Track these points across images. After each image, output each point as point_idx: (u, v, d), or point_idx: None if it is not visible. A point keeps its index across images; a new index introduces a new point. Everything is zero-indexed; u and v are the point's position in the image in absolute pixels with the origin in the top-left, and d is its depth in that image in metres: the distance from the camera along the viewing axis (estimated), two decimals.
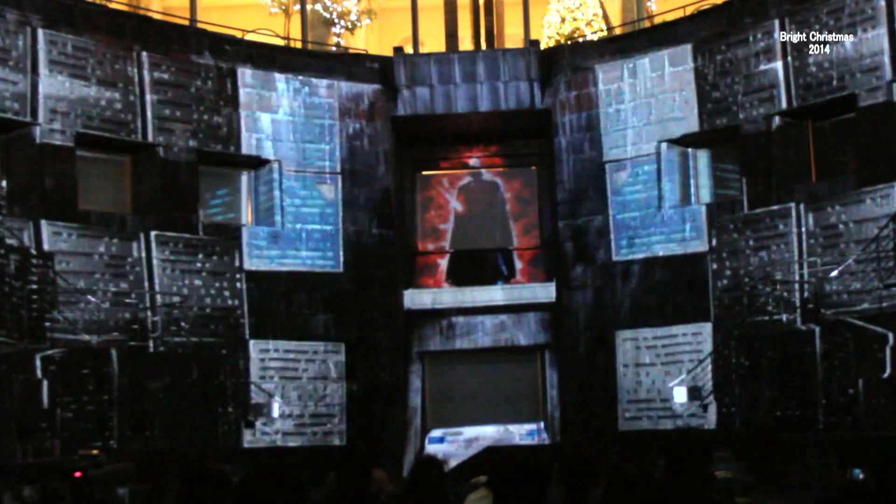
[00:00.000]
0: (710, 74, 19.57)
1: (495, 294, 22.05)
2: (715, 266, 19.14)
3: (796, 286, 17.87)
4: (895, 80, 17.08)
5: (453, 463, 18.82)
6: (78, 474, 10.58)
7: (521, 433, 21.20)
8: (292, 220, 20.47)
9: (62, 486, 10.31)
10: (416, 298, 21.81)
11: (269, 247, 20.19)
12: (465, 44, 25.33)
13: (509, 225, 22.98)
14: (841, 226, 17.48)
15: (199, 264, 19.20)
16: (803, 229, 18.04)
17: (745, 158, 19.25)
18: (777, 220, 18.41)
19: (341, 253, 20.77)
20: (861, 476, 5.28)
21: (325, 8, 26.41)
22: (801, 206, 18.04)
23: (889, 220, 16.54)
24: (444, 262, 22.55)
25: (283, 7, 26.73)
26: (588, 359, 20.59)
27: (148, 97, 19.01)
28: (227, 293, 19.45)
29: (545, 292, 21.69)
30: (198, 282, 19.09)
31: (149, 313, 18.16)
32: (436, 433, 21.33)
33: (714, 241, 19.25)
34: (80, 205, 18.19)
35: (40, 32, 17.76)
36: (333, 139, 21.02)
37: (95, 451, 14.38)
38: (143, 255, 18.57)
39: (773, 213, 18.48)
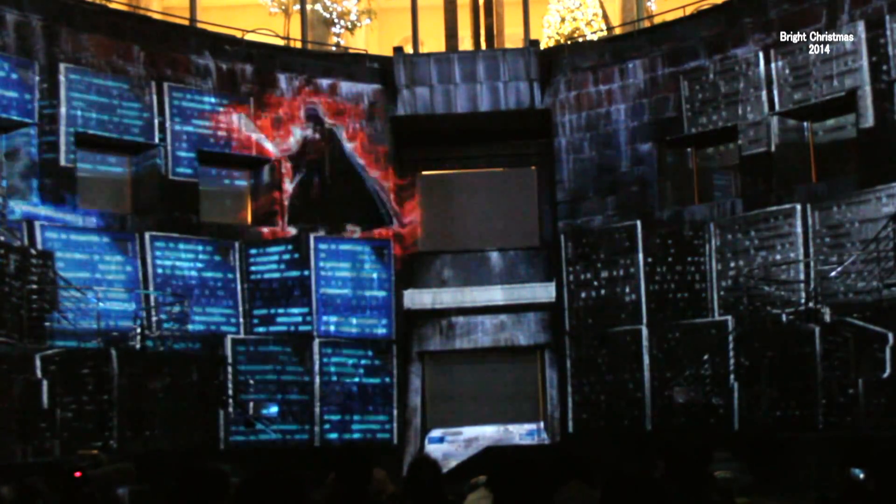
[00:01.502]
0: (710, 74, 19.59)
1: (495, 294, 22.03)
2: (718, 266, 19.16)
3: (798, 286, 17.88)
4: (895, 80, 17.09)
5: (453, 463, 18.83)
6: (78, 474, 10.56)
7: (521, 433, 21.19)
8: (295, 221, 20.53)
9: (37, 481, 10.30)
10: (416, 298, 21.80)
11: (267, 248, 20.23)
12: (465, 44, 25.34)
13: (507, 225, 22.91)
14: (847, 225, 17.47)
15: (199, 264, 19.22)
16: (803, 229, 18.04)
17: (744, 158, 19.26)
18: (780, 220, 18.42)
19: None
20: (862, 476, 5.28)
21: (325, 8, 26.41)
22: (808, 206, 18.04)
23: (889, 220, 16.54)
24: (444, 262, 22.49)
25: (283, 7, 26.74)
26: (588, 359, 20.60)
27: (149, 97, 19.04)
28: (221, 293, 19.46)
29: (545, 292, 21.69)
30: (194, 282, 19.11)
31: (143, 314, 18.17)
32: (436, 433, 21.32)
33: (717, 241, 19.25)
34: (80, 205, 18.22)
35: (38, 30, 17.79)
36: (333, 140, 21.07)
37: (95, 451, 14.37)
38: (141, 255, 18.58)
39: (776, 213, 18.48)
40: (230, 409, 18.83)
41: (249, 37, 22.13)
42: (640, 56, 20.68)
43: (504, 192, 23.07)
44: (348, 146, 21.14)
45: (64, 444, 15.99)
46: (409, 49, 24.11)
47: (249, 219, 20.79)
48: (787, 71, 18.53)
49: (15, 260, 16.29)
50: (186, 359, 18.21)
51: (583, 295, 20.81)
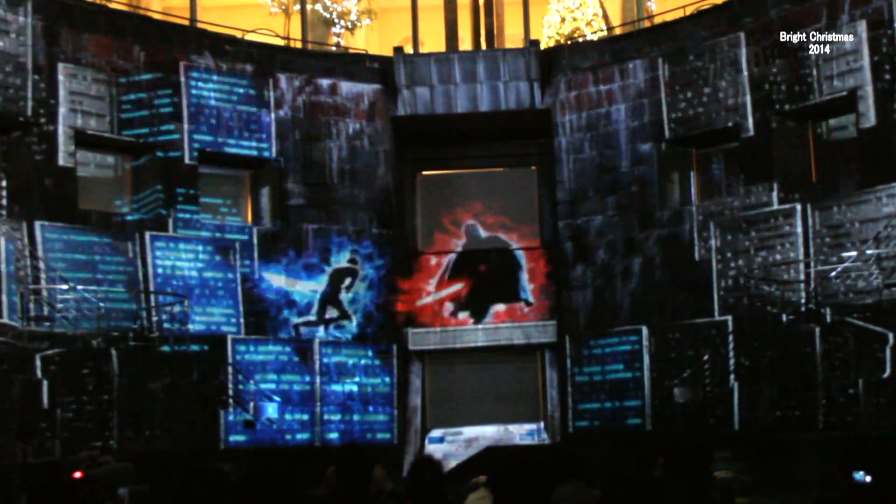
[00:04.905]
0: (708, 75, 19.57)
1: (496, 293, 22.03)
2: (719, 266, 19.16)
3: (798, 286, 17.87)
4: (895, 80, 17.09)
5: (453, 463, 18.83)
6: (80, 474, 10.56)
7: (521, 433, 21.19)
8: (295, 222, 20.53)
9: (17, 481, 10.35)
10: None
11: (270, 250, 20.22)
12: (465, 44, 25.34)
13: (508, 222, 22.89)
14: (847, 225, 17.46)
15: (199, 264, 19.21)
16: (803, 229, 18.04)
17: (745, 158, 19.26)
18: (780, 220, 18.42)
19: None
20: (866, 479, 5.26)
21: (325, 8, 26.41)
22: (808, 206, 18.03)
23: (890, 219, 16.54)
24: (445, 263, 22.48)
25: (283, 7, 26.74)
26: (588, 359, 20.60)
27: (148, 98, 19.04)
28: (221, 293, 19.46)
29: (545, 292, 21.68)
30: (195, 281, 19.11)
31: (144, 314, 18.17)
32: (436, 433, 21.32)
33: (717, 241, 19.25)
34: (80, 205, 18.22)
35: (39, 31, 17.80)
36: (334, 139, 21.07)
37: (95, 452, 14.36)
38: (141, 255, 18.58)
39: (776, 213, 18.48)
40: (230, 409, 18.82)
41: (249, 37, 22.12)
42: (640, 56, 20.68)
43: (504, 192, 23.07)
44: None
45: (64, 444, 15.99)
46: (409, 49, 24.11)
47: (250, 217, 20.78)
48: (787, 71, 18.52)
49: (15, 260, 16.29)
50: (186, 359, 18.19)
51: (583, 295, 20.80)
